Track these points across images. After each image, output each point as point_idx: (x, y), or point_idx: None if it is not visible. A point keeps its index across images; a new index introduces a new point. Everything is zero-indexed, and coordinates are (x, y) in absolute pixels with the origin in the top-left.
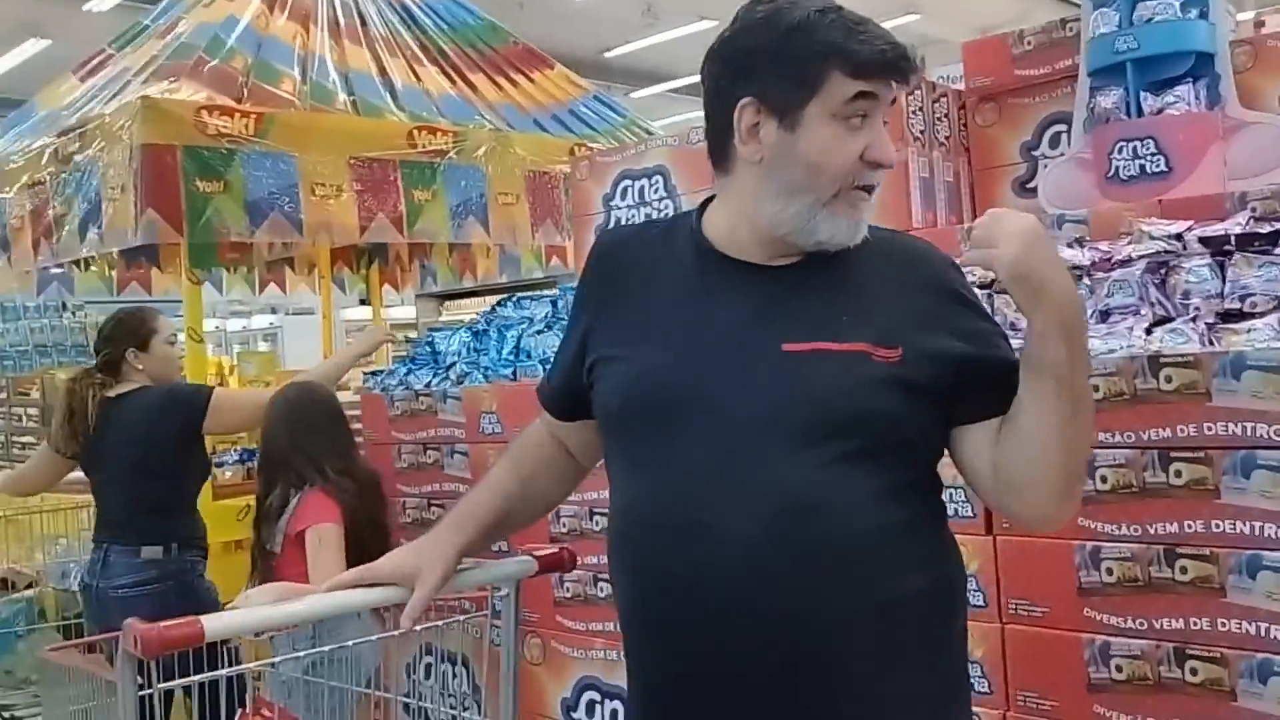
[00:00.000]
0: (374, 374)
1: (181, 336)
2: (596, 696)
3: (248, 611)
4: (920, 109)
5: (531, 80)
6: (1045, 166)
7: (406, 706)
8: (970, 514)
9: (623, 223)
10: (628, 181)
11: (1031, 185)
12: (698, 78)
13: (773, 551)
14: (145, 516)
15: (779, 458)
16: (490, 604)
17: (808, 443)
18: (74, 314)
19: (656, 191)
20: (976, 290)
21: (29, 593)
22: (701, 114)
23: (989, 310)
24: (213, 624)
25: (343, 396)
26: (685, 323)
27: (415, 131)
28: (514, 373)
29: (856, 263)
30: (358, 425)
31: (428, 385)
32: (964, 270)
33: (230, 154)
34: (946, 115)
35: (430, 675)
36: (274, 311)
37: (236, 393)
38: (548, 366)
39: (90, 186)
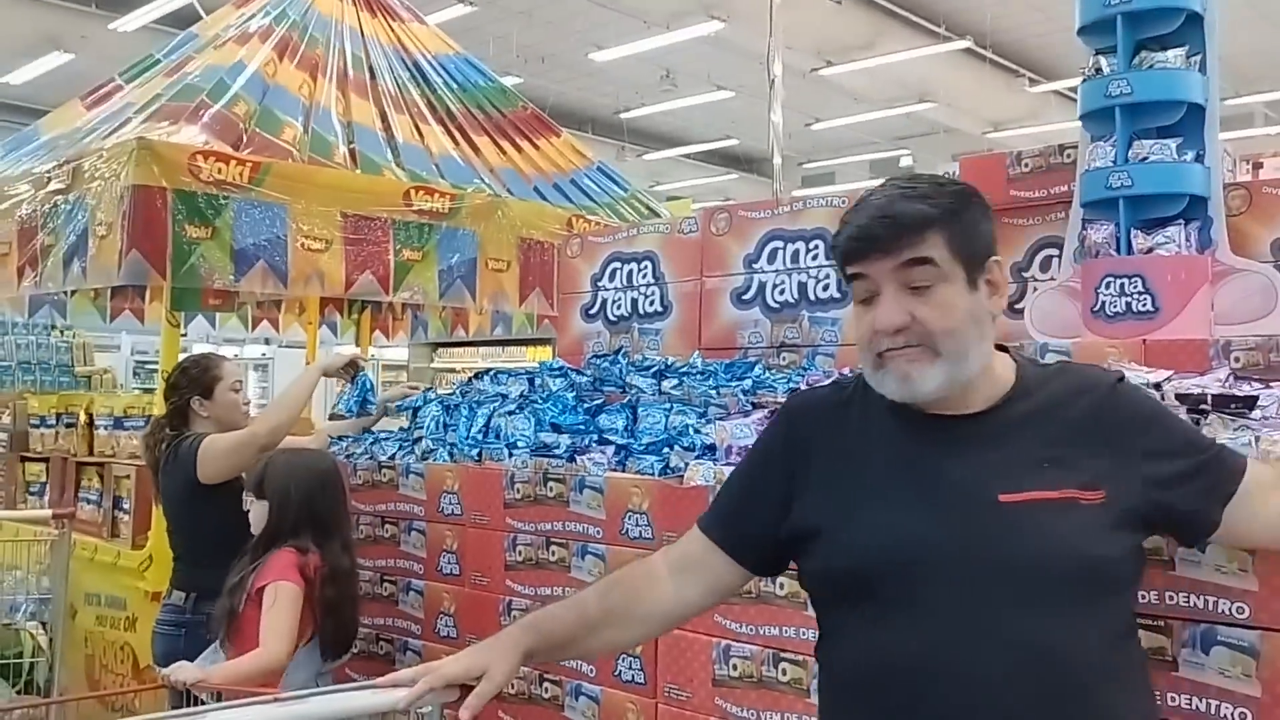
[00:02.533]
0: (340, 440)
1: (246, 379)
2: None
3: (241, 713)
4: None
5: (536, 147)
6: (1034, 290)
7: None
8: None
9: (609, 305)
10: (617, 264)
11: (1020, 307)
12: (709, 144)
13: (1015, 695)
14: (178, 563)
15: (1011, 606)
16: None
17: (1036, 590)
18: (62, 334)
19: (645, 276)
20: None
21: None
22: (708, 181)
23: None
24: None
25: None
26: (906, 483)
27: (412, 191)
28: (479, 453)
29: (1035, 404)
30: None
31: (391, 458)
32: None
33: (222, 201)
34: None
35: None
36: (267, 343)
37: (220, 438)
38: (713, 497)
39: (79, 221)
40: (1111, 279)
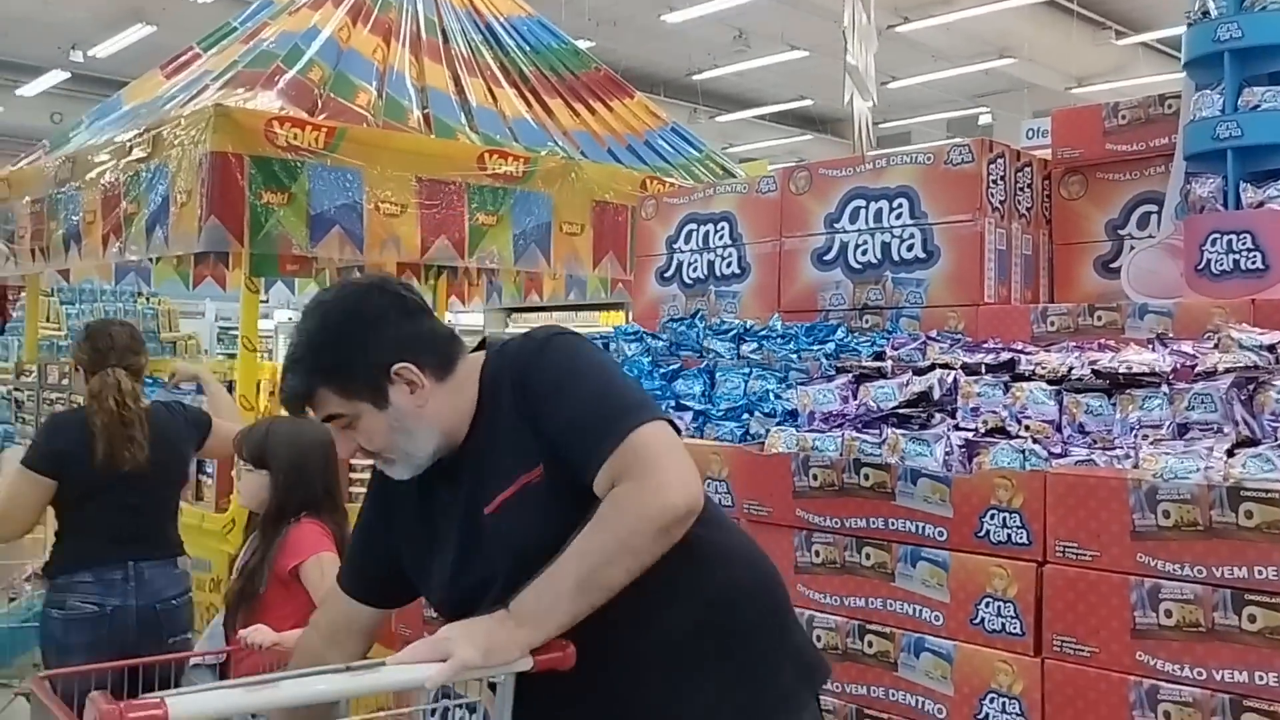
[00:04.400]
0: None
1: None
2: None
3: (217, 694)
4: (1002, 178)
5: (610, 108)
6: (1131, 248)
7: None
8: (1019, 631)
9: (685, 267)
10: (693, 225)
11: (1115, 266)
12: (784, 106)
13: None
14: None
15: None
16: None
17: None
18: (148, 301)
19: (721, 238)
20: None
21: None
22: (782, 143)
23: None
24: (179, 709)
25: None
26: (410, 537)
27: (486, 155)
28: None
29: (494, 411)
30: None
31: None
32: (551, 346)
33: (297, 166)
34: (1030, 185)
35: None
36: None
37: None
38: None
39: (160, 188)
40: (1218, 235)
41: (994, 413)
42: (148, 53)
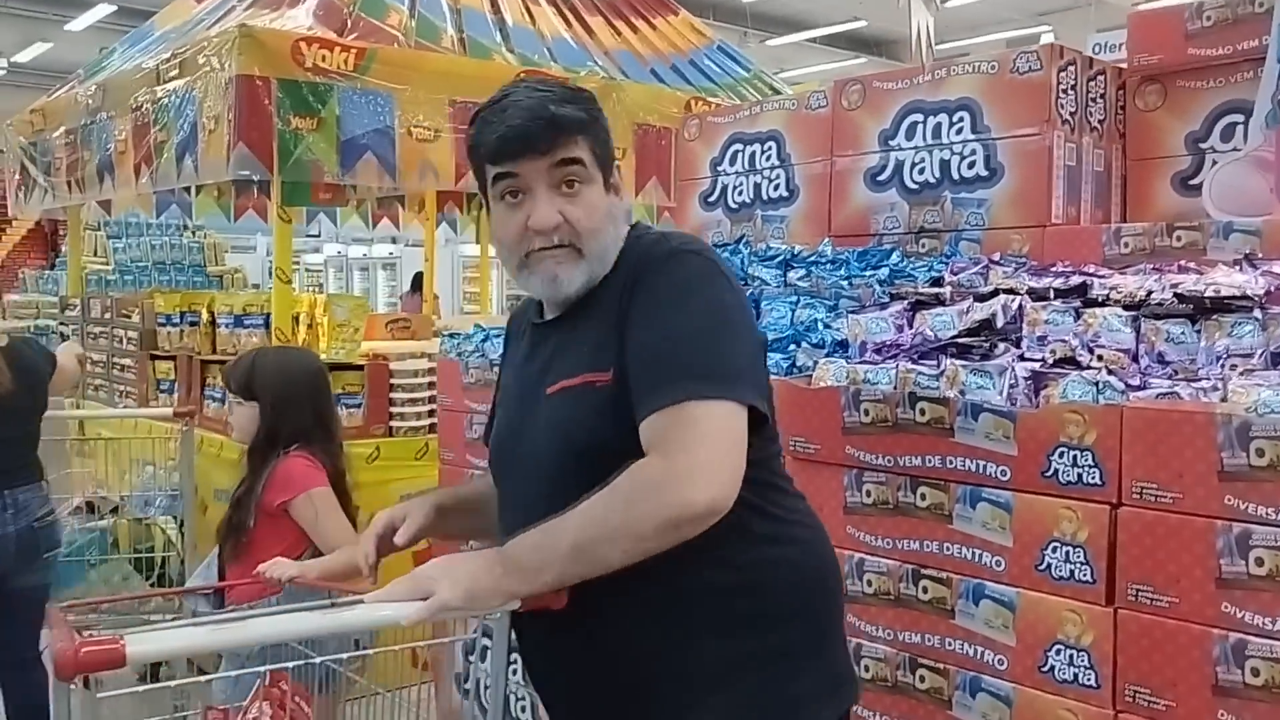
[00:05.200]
0: (452, 336)
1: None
2: None
3: (177, 633)
4: (1073, 87)
5: (653, 26)
6: (1214, 163)
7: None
8: (1089, 579)
9: (730, 191)
10: (739, 145)
11: (1195, 183)
12: (837, 27)
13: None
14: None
15: (539, 489)
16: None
17: (557, 474)
18: (193, 234)
19: (769, 159)
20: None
21: (103, 523)
22: (835, 66)
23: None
24: (137, 646)
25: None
26: (512, 391)
27: (523, 76)
28: None
29: (607, 293)
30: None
31: (502, 355)
32: (678, 261)
33: (326, 89)
34: (1103, 96)
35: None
36: (394, 241)
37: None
38: None
39: (189, 114)
40: None
41: (1063, 341)
42: None
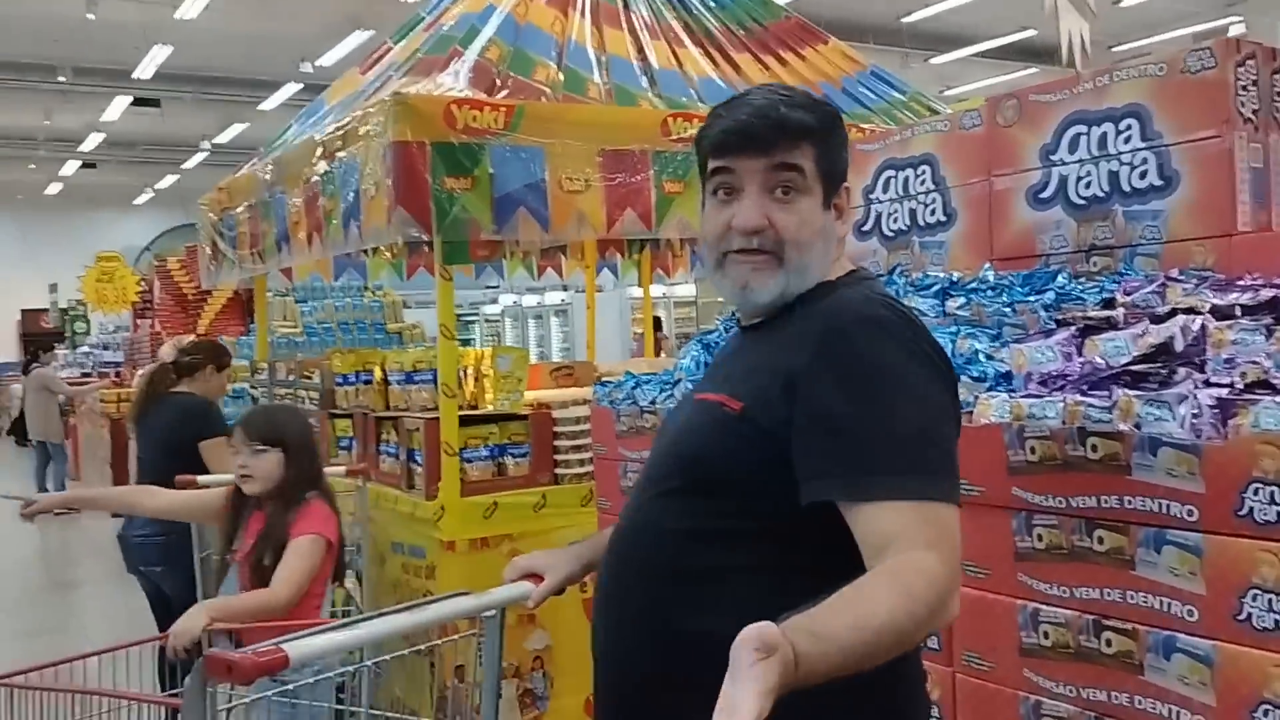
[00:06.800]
0: (603, 384)
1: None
2: None
3: (330, 636)
4: (1254, 82)
5: (802, 57)
6: None
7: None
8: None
9: (884, 219)
10: (891, 172)
11: None
12: (1003, 39)
13: (609, 571)
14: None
15: (650, 489)
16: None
17: (660, 476)
18: (373, 293)
19: (923, 183)
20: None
21: None
22: (1004, 79)
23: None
24: (296, 651)
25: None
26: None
27: (670, 119)
28: None
29: (792, 323)
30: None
31: (653, 402)
32: (871, 336)
33: (479, 149)
34: None
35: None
36: (565, 289)
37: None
38: None
39: (352, 183)
40: None
41: (1254, 363)
42: (365, 57)
